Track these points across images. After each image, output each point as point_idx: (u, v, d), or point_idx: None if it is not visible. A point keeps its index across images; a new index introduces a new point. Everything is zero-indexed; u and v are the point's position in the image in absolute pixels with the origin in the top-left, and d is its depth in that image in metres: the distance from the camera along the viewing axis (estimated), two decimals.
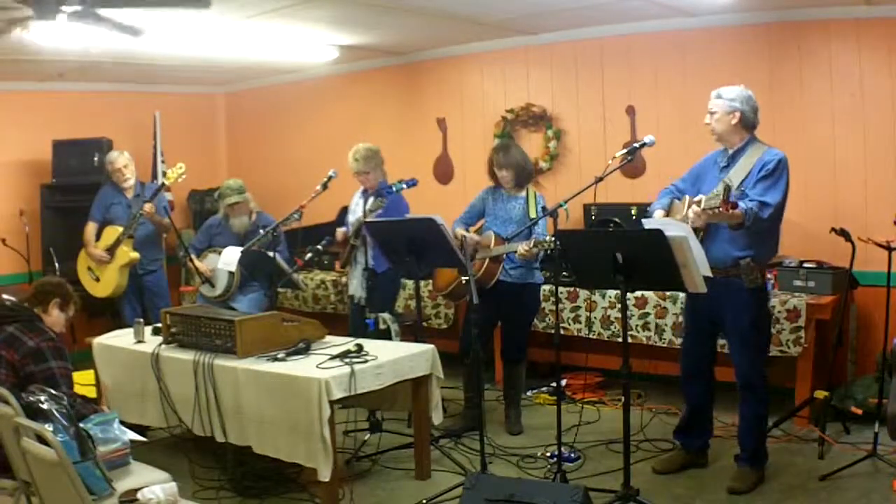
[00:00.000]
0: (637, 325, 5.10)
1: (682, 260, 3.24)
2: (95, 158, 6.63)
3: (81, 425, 2.91)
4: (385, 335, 4.71)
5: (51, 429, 2.67)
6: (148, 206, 5.51)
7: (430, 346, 4.09)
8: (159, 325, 4.37)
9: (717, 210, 3.34)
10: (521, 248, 4.43)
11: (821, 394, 4.37)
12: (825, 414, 4.32)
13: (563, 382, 5.32)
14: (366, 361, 3.73)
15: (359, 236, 4.99)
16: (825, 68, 5.09)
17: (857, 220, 4.74)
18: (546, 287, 5.16)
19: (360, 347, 3.85)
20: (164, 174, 5.80)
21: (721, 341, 4.08)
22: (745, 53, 5.30)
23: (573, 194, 4.06)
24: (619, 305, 5.07)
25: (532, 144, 6.19)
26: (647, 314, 5.07)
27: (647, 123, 5.63)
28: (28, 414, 2.81)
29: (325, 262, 6.65)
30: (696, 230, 3.64)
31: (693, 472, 4.05)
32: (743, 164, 3.70)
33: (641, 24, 5.58)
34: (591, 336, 5.30)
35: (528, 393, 5.44)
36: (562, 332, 4.71)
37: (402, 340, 4.66)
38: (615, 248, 3.33)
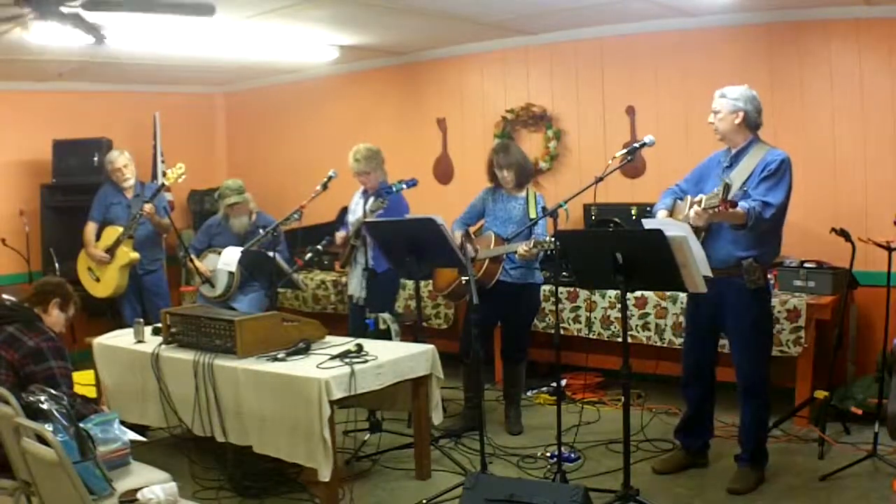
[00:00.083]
0: (637, 325, 5.10)
1: (682, 260, 3.24)
2: (95, 158, 6.63)
3: (81, 425, 2.91)
4: (385, 335, 4.71)
5: (51, 429, 2.67)
6: (148, 207, 5.51)
7: (430, 346, 4.09)
8: (159, 325, 4.37)
9: (716, 209, 3.34)
10: (521, 248, 4.43)
11: (821, 394, 4.37)
12: (825, 414, 4.32)
13: (563, 382, 5.32)
14: (366, 361, 3.73)
15: (359, 236, 4.99)
16: (825, 68, 5.09)
17: (857, 220, 4.75)
18: (546, 287, 5.16)
19: (360, 347, 3.85)
20: (164, 174, 5.79)
21: (722, 342, 4.08)
22: (745, 53, 5.30)
23: (573, 194, 4.06)
24: (619, 305, 5.07)
25: (532, 144, 6.19)
26: (647, 314, 5.07)
27: (647, 123, 5.63)
28: (28, 414, 2.81)
29: (325, 262, 6.65)
30: (698, 230, 3.65)
31: (693, 473, 4.05)
32: (746, 164, 3.70)
33: (641, 24, 5.58)
34: (591, 336, 5.30)
35: (528, 393, 5.44)
36: (562, 332, 4.71)
37: (402, 340, 4.66)
38: (615, 248, 3.33)
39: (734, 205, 3.36)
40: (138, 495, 2.84)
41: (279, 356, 3.81)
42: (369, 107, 7.13)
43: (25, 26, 4.20)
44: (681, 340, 4.88)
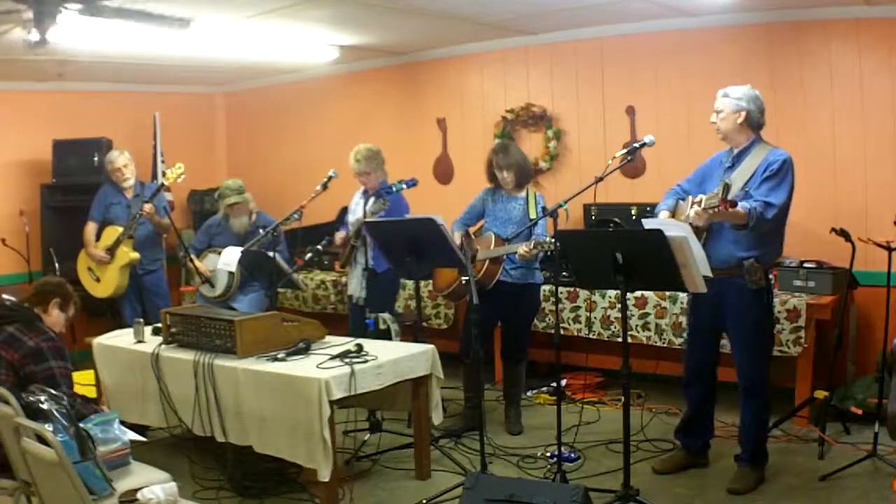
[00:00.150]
0: (637, 325, 5.10)
1: (682, 260, 3.24)
2: (95, 158, 6.63)
3: (81, 425, 2.91)
4: (385, 335, 4.71)
5: (51, 429, 2.67)
6: (147, 207, 5.51)
7: (430, 346, 4.09)
8: (159, 325, 4.37)
9: (716, 209, 3.35)
10: (522, 249, 4.43)
11: (821, 394, 4.37)
12: (825, 414, 4.32)
13: (563, 382, 5.32)
14: (366, 361, 3.73)
15: (359, 237, 4.99)
16: (825, 68, 5.09)
17: (857, 220, 4.75)
18: (546, 287, 5.16)
19: (360, 347, 3.85)
20: (164, 174, 5.80)
21: (723, 341, 4.08)
22: (745, 53, 5.30)
23: (573, 194, 4.06)
24: (619, 305, 5.07)
25: (532, 144, 6.19)
26: (647, 314, 5.07)
27: (647, 123, 5.63)
28: (28, 414, 2.81)
29: (325, 262, 6.65)
30: (700, 230, 3.65)
31: (693, 473, 4.05)
32: (748, 164, 3.70)
33: (641, 24, 5.58)
34: (591, 336, 5.30)
35: (528, 393, 5.44)
36: (562, 332, 4.71)
37: (402, 340, 4.66)
38: (615, 248, 3.33)
39: (734, 205, 3.36)
40: (138, 495, 2.84)
41: (279, 356, 3.81)
42: (369, 107, 7.13)
43: (25, 26, 4.20)
44: (681, 340, 4.89)
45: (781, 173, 3.60)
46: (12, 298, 3.89)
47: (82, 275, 5.81)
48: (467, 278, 3.89)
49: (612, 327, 5.21)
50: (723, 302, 3.75)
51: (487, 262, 4.63)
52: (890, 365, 4.02)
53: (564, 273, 5.17)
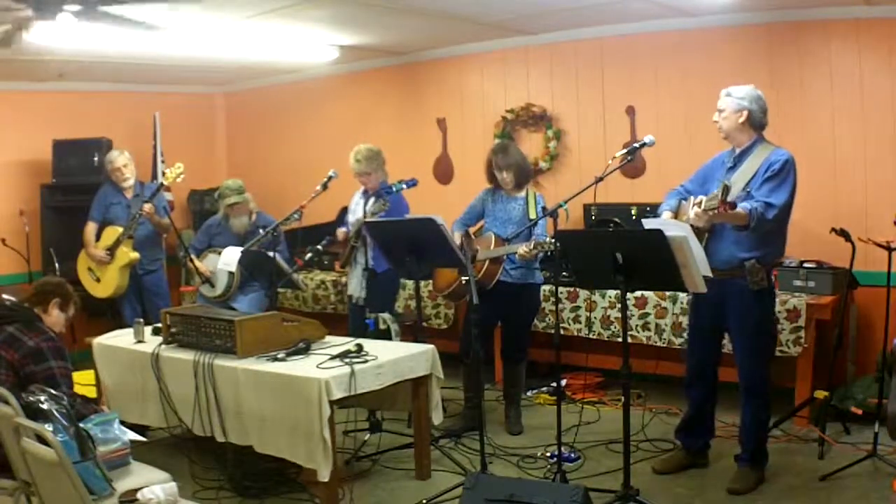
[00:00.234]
0: (637, 325, 5.10)
1: (682, 260, 3.24)
2: (95, 158, 6.63)
3: (81, 425, 2.91)
4: (385, 335, 4.71)
5: (51, 429, 2.67)
6: (147, 206, 5.51)
7: (430, 346, 4.09)
8: (159, 325, 4.37)
9: (715, 211, 3.34)
10: (522, 249, 4.43)
11: (821, 394, 4.37)
12: (825, 414, 4.32)
13: (563, 382, 5.32)
14: (366, 361, 3.73)
15: (359, 237, 4.99)
16: (825, 68, 5.09)
17: (857, 220, 4.75)
18: (546, 287, 5.16)
19: (360, 347, 3.85)
20: (164, 174, 5.80)
21: (724, 342, 4.08)
22: (745, 53, 5.30)
23: (573, 194, 4.06)
24: (619, 305, 5.07)
25: (532, 144, 6.19)
26: (647, 314, 5.07)
27: (647, 123, 5.63)
28: (28, 414, 2.81)
29: (325, 262, 6.65)
30: (701, 231, 3.64)
31: (693, 473, 4.05)
32: (749, 164, 3.69)
33: (641, 24, 5.58)
34: (591, 336, 5.30)
35: (528, 393, 5.44)
36: (562, 332, 4.71)
37: (402, 340, 4.66)
38: (615, 248, 3.33)
39: (733, 206, 3.36)
40: (138, 495, 2.84)
41: (279, 356, 3.81)
42: (369, 107, 7.13)
43: (25, 26, 4.20)
44: (681, 341, 4.89)
45: (783, 173, 3.59)
46: (12, 298, 3.89)
47: (82, 275, 5.81)
48: (467, 278, 3.89)
49: (612, 327, 5.21)
50: (724, 302, 3.75)
51: (487, 262, 4.63)
52: (890, 365, 4.02)
53: (564, 273, 5.17)
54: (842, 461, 3.94)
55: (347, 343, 4.00)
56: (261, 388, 3.68)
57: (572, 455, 4.27)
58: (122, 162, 5.78)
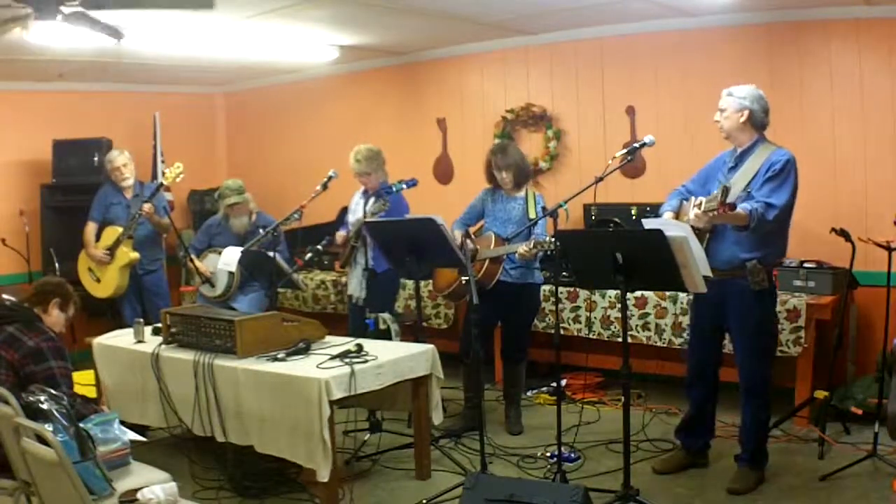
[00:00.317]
0: (637, 325, 5.10)
1: (682, 260, 3.24)
2: (95, 158, 6.63)
3: (81, 425, 2.91)
4: (385, 335, 4.71)
5: (51, 429, 2.67)
6: (147, 206, 5.51)
7: (430, 346, 4.09)
8: (159, 325, 4.37)
9: (715, 212, 3.34)
10: (522, 248, 4.43)
11: (821, 394, 4.37)
12: (825, 414, 4.32)
13: (563, 382, 5.32)
14: (366, 361, 3.73)
15: (359, 237, 4.99)
16: (825, 68, 5.09)
17: (857, 220, 4.75)
18: (546, 287, 5.16)
19: (360, 347, 3.85)
20: (163, 174, 5.80)
21: (725, 342, 4.08)
22: (745, 53, 5.30)
23: (573, 194, 4.06)
24: (619, 305, 5.07)
25: (532, 144, 6.19)
26: (647, 314, 5.07)
27: (647, 123, 5.63)
28: (28, 414, 2.81)
29: (325, 262, 6.65)
30: (702, 231, 3.64)
31: (693, 473, 4.05)
32: (751, 164, 3.69)
33: (641, 24, 5.58)
34: (591, 336, 5.30)
35: (528, 393, 5.44)
36: (562, 332, 4.71)
37: (402, 340, 4.66)
38: (615, 248, 3.33)
39: (732, 208, 3.35)
40: (138, 495, 2.84)
41: (279, 356, 3.81)
42: (369, 107, 7.13)
43: (25, 26, 4.20)
44: (681, 341, 4.89)
45: (784, 174, 3.59)
46: (12, 298, 3.89)
47: (82, 275, 5.81)
48: (467, 278, 3.89)
49: (612, 327, 5.21)
50: (725, 302, 3.75)
51: (487, 261, 4.63)
52: (890, 365, 4.02)
53: (564, 273, 5.17)
54: (842, 461, 3.94)
55: (347, 343, 4.00)
56: (261, 388, 3.67)
57: (572, 455, 4.27)
58: (122, 161, 5.78)
